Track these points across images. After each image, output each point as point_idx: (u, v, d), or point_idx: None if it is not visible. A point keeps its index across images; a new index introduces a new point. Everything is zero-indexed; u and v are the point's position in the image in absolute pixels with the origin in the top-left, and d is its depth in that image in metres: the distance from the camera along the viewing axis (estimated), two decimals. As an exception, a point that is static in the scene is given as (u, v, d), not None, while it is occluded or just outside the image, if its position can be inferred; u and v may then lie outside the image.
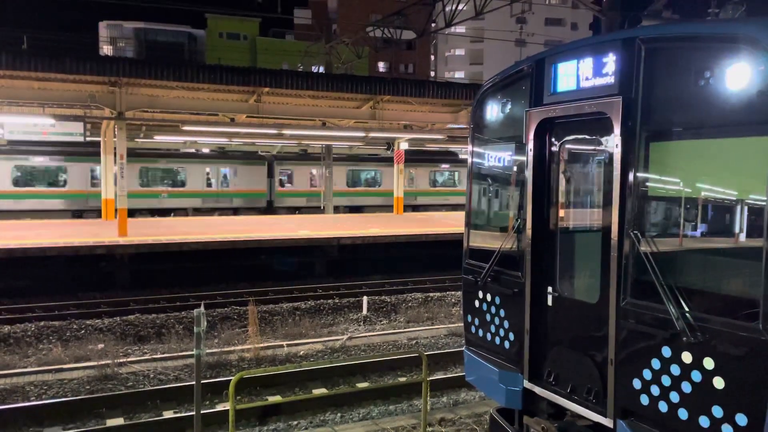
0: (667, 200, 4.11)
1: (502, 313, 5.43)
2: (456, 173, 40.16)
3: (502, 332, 5.43)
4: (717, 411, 3.47)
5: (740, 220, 3.59)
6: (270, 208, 34.82)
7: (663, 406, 3.80)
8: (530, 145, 5.05)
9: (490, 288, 5.56)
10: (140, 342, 12.98)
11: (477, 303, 5.77)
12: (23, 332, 13.05)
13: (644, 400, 3.93)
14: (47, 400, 9.14)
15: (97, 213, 28.48)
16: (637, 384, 3.98)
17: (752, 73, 3.41)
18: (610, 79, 4.29)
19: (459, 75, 76.26)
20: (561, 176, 5.01)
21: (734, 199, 3.64)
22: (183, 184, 32.96)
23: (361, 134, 25.43)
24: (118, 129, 20.49)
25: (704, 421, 3.54)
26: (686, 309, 3.68)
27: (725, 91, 3.56)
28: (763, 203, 3.37)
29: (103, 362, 10.56)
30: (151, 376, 10.33)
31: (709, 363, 3.52)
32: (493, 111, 5.75)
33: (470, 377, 5.93)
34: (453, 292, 17.62)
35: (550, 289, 4.95)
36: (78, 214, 30.22)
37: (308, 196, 35.37)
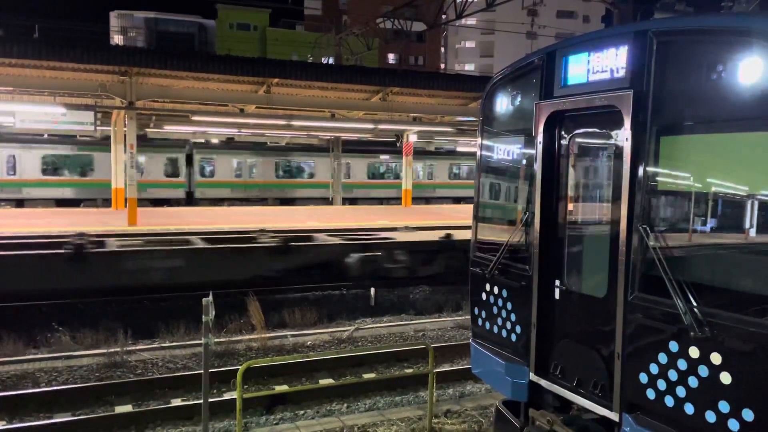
0: (676, 195, 4.09)
1: (509, 306, 5.43)
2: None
3: (509, 325, 5.43)
4: (723, 406, 3.46)
5: (750, 216, 3.57)
6: None
7: (669, 401, 3.79)
8: (539, 138, 5.03)
9: (498, 281, 5.56)
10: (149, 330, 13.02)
11: (484, 296, 5.77)
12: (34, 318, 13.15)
13: (651, 394, 3.92)
14: (57, 386, 9.24)
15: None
16: (643, 378, 3.97)
17: (765, 67, 3.38)
18: (621, 73, 4.26)
19: (469, 67, 75.87)
20: (570, 170, 4.99)
21: (744, 194, 3.62)
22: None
23: (371, 126, 25.40)
24: (128, 118, 20.57)
25: (711, 416, 3.54)
26: (694, 304, 3.66)
27: (737, 85, 3.53)
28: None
29: (112, 350, 10.65)
30: (160, 364, 10.41)
31: (716, 358, 3.50)
32: (503, 103, 5.73)
33: (476, 369, 5.94)
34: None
35: (557, 282, 4.94)
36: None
37: None
